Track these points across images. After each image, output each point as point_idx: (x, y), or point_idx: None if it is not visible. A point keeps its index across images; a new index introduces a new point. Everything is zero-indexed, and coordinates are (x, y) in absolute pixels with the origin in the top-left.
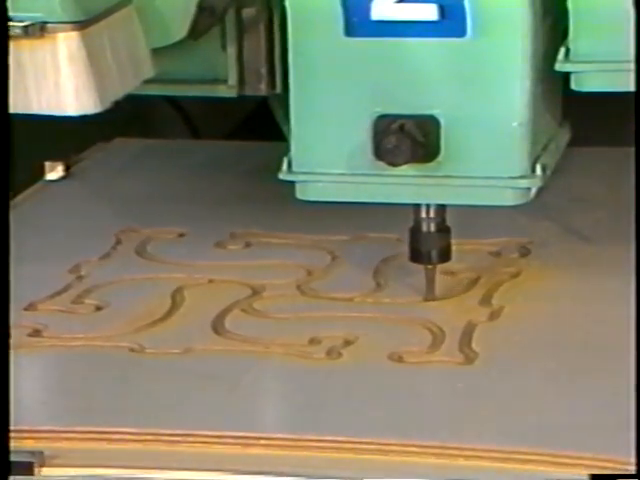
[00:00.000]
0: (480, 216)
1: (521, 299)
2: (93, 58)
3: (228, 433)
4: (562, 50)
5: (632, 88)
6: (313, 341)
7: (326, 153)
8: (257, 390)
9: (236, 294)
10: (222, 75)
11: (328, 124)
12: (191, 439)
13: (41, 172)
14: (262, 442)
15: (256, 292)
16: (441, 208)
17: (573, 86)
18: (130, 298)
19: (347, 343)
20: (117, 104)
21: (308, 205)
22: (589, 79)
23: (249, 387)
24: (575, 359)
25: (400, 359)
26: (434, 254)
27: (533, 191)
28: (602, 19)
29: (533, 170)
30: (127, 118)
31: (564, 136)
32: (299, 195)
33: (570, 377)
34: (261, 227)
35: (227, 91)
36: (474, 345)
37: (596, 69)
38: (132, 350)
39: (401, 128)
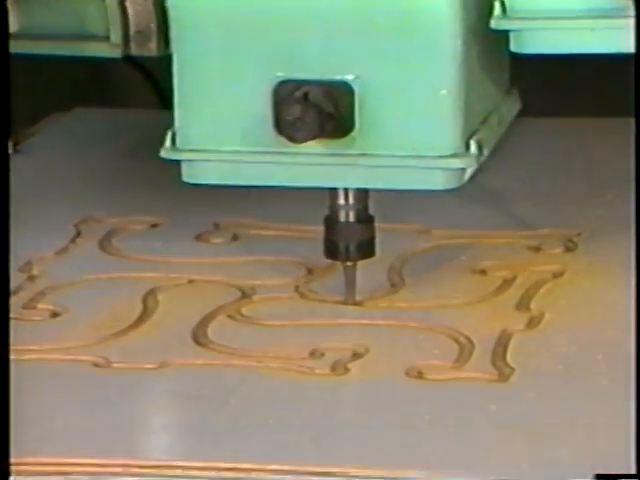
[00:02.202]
0: (516, 202)
1: (565, 303)
2: None
3: (212, 464)
4: (497, 4)
5: (583, 49)
6: (315, 353)
7: (217, 127)
8: (247, 413)
9: (221, 297)
10: (102, 31)
11: (219, 91)
12: (168, 471)
13: None
14: (254, 475)
15: (245, 295)
16: (362, 193)
17: (513, 47)
18: (93, 302)
19: (356, 356)
20: (75, 67)
21: (308, 188)
22: (530, 39)
23: (237, 409)
24: (631, 376)
25: (420, 375)
26: (353, 249)
27: (468, 173)
28: None
29: (467, 148)
30: (87, 84)
31: (511, 107)
32: (185, 177)
33: (626, 397)
34: (251, 216)
35: (109, 50)
36: (509, 358)
37: (538, 27)
38: (96, 365)
39: (305, 96)
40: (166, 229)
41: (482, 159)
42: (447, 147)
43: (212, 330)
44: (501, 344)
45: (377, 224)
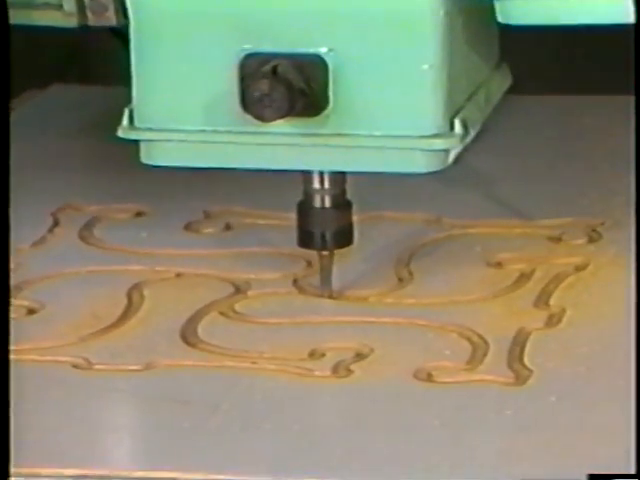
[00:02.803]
0: (534, 187)
1: (588, 299)
2: None
3: (202, 476)
4: None
5: (573, 21)
6: (315, 354)
7: (178, 104)
8: (240, 419)
9: (213, 292)
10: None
11: (179, 65)
12: None
13: None
14: None
15: (239, 290)
16: (338, 176)
17: (500, 18)
18: (72, 298)
19: (359, 357)
20: (53, 42)
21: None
22: (517, 9)
23: (229, 415)
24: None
25: (429, 378)
26: (330, 237)
27: (452, 154)
28: None
29: (451, 127)
30: (66, 59)
31: (501, 82)
32: (144, 159)
33: None
34: (245, 203)
35: (64, 20)
36: (527, 360)
37: None
38: (76, 366)
39: (274, 71)
40: (152, 218)
41: (468, 139)
42: (429, 126)
43: (202, 328)
44: (518, 344)
45: (382, 212)
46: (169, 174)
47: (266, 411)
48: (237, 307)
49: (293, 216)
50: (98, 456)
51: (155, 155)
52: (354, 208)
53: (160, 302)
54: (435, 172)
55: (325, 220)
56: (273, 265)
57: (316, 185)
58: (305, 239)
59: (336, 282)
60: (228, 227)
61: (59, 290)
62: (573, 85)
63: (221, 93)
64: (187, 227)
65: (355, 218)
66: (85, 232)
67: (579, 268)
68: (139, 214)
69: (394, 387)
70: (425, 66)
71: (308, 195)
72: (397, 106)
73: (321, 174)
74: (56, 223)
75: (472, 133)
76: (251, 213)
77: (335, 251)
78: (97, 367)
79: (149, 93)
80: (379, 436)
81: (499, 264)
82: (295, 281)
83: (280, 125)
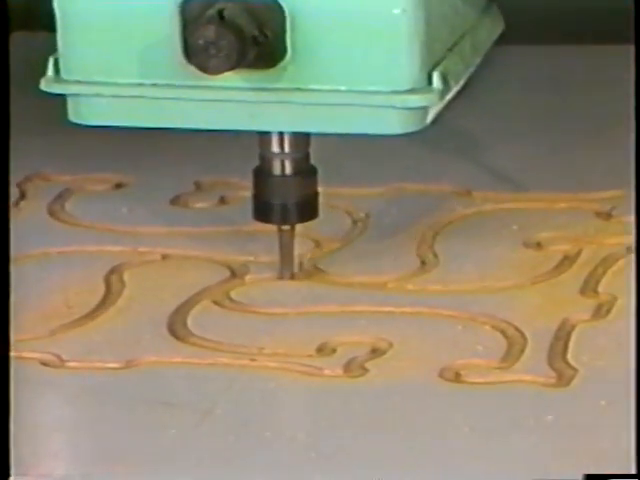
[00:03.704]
0: (571, 153)
1: None
2: None
3: None
4: None
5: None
6: (323, 349)
7: (109, 53)
8: (237, 425)
9: (205, 277)
10: None
11: (111, 7)
12: None
13: None
14: None
15: (235, 274)
16: (301, 138)
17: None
18: (41, 283)
19: (375, 353)
20: None
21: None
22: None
23: (224, 420)
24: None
25: (457, 378)
26: (292, 209)
27: (431, 113)
28: None
29: (429, 81)
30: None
31: (490, 29)
32: (72, 117)
33: None
34: (243, 173)
35: None
36: (570, 357)
37: None
38: (45, 364)
39: (220, 15)
40: (134, 190)
41: (449, 95)
42: (403, 80)
43: (193, 319)
44: (561, 338)
45: (402, 183)
46: (154, 138)
47: (266, 416)
48: (233, 294)
49: None
50: (66, 470)
51: (84, 113)
52: (375, 178)
53: (143, 288)
54: (411, 134)
55: (286, 189)
56: (275, 246)
57: (274, 148)
58: (263, 211)
59: (349, 266)
60: (223, 201)
61: (25, 274)
62: (573, 33)
63: (160, 41)
64: (175, 201)
65: (375, 190)
66: (55, 206)
67: (632, 249)
68: (119, 186)
69: (416, 388)
70: (397, 10)
71: (265, 160)
72: (365, 57)
73: (280, 136)
74: (22, 196)
75: (454, 88)
76: (249, 185)
77: (297, 225)
78: (70, 365)
79: (77, 40)
80: (398, 446)
81: (539, 245)
82: (300, 265)
83: (229, 78)
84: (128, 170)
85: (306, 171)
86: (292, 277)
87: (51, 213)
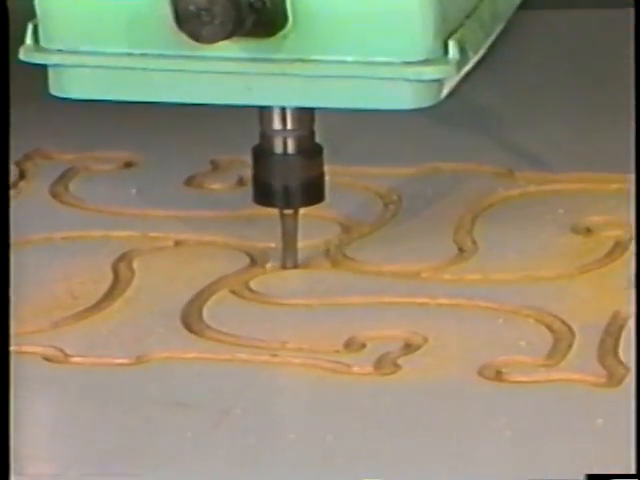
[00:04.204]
0: (626, 134)
1: None
2: None
3: None
4: None
5: None
6: (352, 344)
7: (94, 20)
8: (257, 427)
9: (222, 265)
10: None
11: None
12: None
13: None
14: None
15: (255, 261)
16: (305, 114)
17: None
18: (43, 271)
19: (409, 348)
20: None
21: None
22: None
23: (243, 421)
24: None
25: (499, 376)
26: (295, 191)
27: (447, 86)
28: None
29: (445, 51)
30: None
31: None
32: (53, 89)
33: None
34: None
35: None
36: (622, 354)
37: None
38: (47, 359)
39: None
40: (144, 169)
41: (467, 67)
42: (416, 50)
43: (209, 311)
44: (612, 333)
45: (438, 163)
46: (166, 111)
47: (290, 418)
48: (253, 284)
49: (327, 168)
50: (71, 468)
51: (67, 85)
52: (406, 156)
53: (154, 277)
54: (425, 109)
55: (288, 170)
56: (299, 231)
57: (276, 125)
58: (263, 194)
59: (379, 252)
60: (241, 182)
61: (26, 261)
62: None
63: (148, 7)
64: (189, 181)
65: (407, 169)
66: (58, 187)
67: None
68: (128, 165)
69: (453, 388)
70: None
71: (266, 138)
72: (374, 24)
73: (282, 111)
74: (21, 175)
75: (473, 59)
76: None
77: (301, 210)
78: (74, 360)
79: (57, 4)
80: (433, 451)
81: (588, 230)
82: (327, 251)
83: (225, 48)
84: (138, 148)
85: (310, 150)
86: (295, 267)
87: (53, 195)
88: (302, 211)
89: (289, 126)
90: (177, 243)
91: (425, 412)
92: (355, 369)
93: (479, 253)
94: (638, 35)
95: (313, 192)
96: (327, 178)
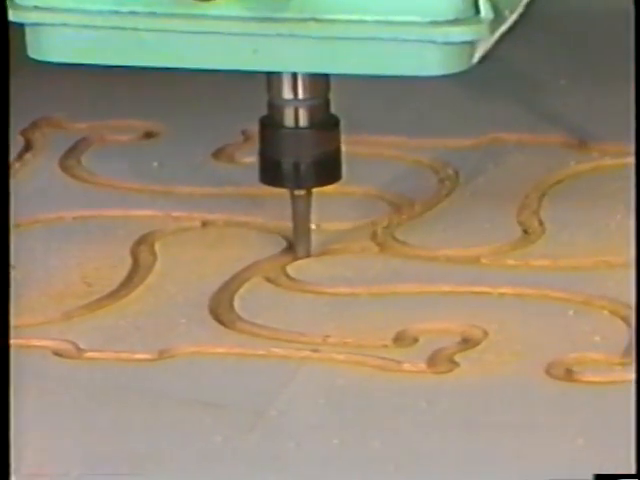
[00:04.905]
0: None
1: None
2: None
3: None
4: None
5: None
6: (402, 338)
7: None
8: (295, 430)
9: (255, 248)
10: None
11: None
12: None
13: None
14: None
15: (293, 245)
16: (318, 81)
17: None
18: (54, 255)
19: (467, 343)
20: None
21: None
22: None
23: (280, 424)
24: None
25: (569, 376)
26: (306, 169)
27: (480, 50)
28: None
29: (476, 10)
30: None
31: None
32: (32, 52)
33: None
34: None
35: None
36: None
37: None
38: (58, 354)
39: None
40: (167, 141)
41: (502, 27)
42: (444, 8)
43: (241, 300)
44: None
45: (501, 134)
46: (191, 76)
47: (333, 420)
48: (290, 270)
49: (371, 139)
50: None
51: (46, 47)
52: (455, 126)
53: (179, 262)
54: (455, 75)
55: (300, 145)
56: (342, 210)
57: (286, 94)
58: (271, 172)
59: (433, 235)
60: None
61: (33, 244)
62: None
63: None
64: (218, 154)
65: (459, 142)
66: (70, 160)
67: None
68: (148, 135)
69: (517, 388)
70: None
71: (275, 109)
72: None
73: (293, 78)
74: (27, 146)
75: (509, 19)
76: None
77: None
78: (88, 355)
79: None
80: (494, 456)
81: None
82: (374, 234)
83: (228, 6)
84: (160, 116)
85: (325, 123)
86: (308, 255)
87: (64, 168)
88: (343, 188)
89: (300, 95)
90: (204, 224)
91: (484, 415)
92: (406, 366)
93: (546, 235)
94: (638, 35)
95: (327, 170)
96: (368, 150)
